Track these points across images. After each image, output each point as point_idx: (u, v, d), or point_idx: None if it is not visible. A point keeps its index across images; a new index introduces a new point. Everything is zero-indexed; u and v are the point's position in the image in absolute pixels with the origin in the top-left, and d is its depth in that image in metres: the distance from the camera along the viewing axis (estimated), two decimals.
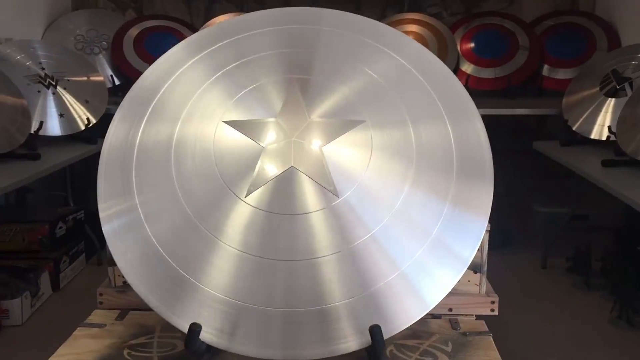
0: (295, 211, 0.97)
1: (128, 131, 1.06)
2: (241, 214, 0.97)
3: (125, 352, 1.07)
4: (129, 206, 1.00)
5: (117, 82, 3.64)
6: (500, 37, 3.69)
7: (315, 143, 1.02)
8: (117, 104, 1.11)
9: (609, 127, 2.94)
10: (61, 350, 1.07)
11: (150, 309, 1.20)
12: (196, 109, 1.05)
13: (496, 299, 1.19)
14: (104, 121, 3.09)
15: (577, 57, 3.65)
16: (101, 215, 1.01)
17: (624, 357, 2.48)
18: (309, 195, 0.98)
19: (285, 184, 0.99)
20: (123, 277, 1.23)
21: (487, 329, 1.14)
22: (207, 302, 0.95)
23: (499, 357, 1.05)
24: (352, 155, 1.02)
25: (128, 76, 3.65)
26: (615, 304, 2.79)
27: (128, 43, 3.74)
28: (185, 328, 0.93)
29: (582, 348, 2.26)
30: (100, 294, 1.24)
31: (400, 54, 1.11)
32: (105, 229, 1.01)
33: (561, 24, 3.78)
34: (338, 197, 0.98)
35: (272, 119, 1.04)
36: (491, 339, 1.11)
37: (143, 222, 0.99)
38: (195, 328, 0.87)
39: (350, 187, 0.99)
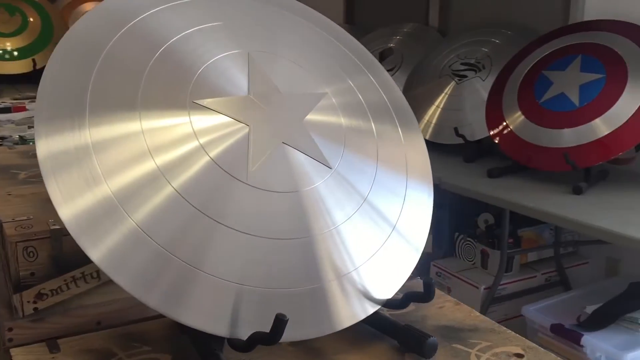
0: (295, 188, 0.95)
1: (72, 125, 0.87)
2: (244, 197, 0.91)
3: None
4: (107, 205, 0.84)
5: None
6: None
7: (294, 117, 1.00)
8: None
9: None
10: None
11: (83, 332, 1.03)
12: (153, 91, 0.92)
13: None
14: None
15: None
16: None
17: None
18: (303, 170, 0.97)
19: (277, 161, 0.96)
20: (34, 302, 1.01)
21: None
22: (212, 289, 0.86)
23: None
24: (327, 126, 1.04)
25: None
26: None
27: None
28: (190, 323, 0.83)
29: None
30: (10, 329, 0.98)
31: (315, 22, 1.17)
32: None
33: None
34: (331, 168, 1.00)
35: (244, 95, 0.98)
36: None
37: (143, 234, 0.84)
38: (283, 318, 0.80)
39: (337, 159, 1.01)
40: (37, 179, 1.31)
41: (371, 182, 1.04)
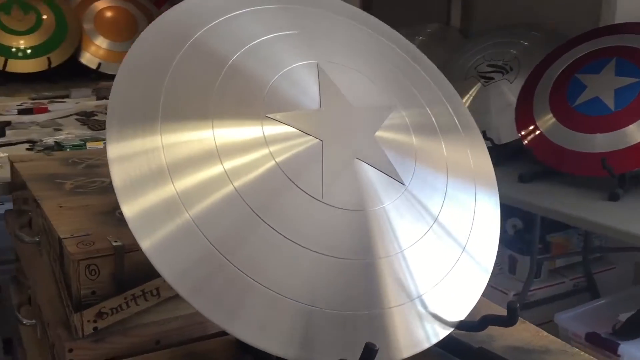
0: (362, 207, 0.91)
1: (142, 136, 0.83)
2: (319, 215, 0.87)
3: None
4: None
5: None
6: None
7: (366, 131, 0.97)
8: None
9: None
10: None
11: (142, 352, 0.99)
12: (226, 103, 0.89)
13: None
14: None
15: None
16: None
17: None
18: (373, 188, 0.93)
19: (351, 178, 0.92)
20: (94, 321, 0.98)
21: None
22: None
23: None
24: (398, 140, 1.00)
25: None
26: None
27: None
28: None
29: None
30: (70, 350, 0.94)
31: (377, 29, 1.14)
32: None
33: None
34: (404, 184, 0.96)
35: (317, 109, 0.94)
36: None
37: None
38: (373, 347, 0.76)
39: (409, 175, 0.97)
40: (84, 189, 1.27)
41: (442, 199, 1.00)
